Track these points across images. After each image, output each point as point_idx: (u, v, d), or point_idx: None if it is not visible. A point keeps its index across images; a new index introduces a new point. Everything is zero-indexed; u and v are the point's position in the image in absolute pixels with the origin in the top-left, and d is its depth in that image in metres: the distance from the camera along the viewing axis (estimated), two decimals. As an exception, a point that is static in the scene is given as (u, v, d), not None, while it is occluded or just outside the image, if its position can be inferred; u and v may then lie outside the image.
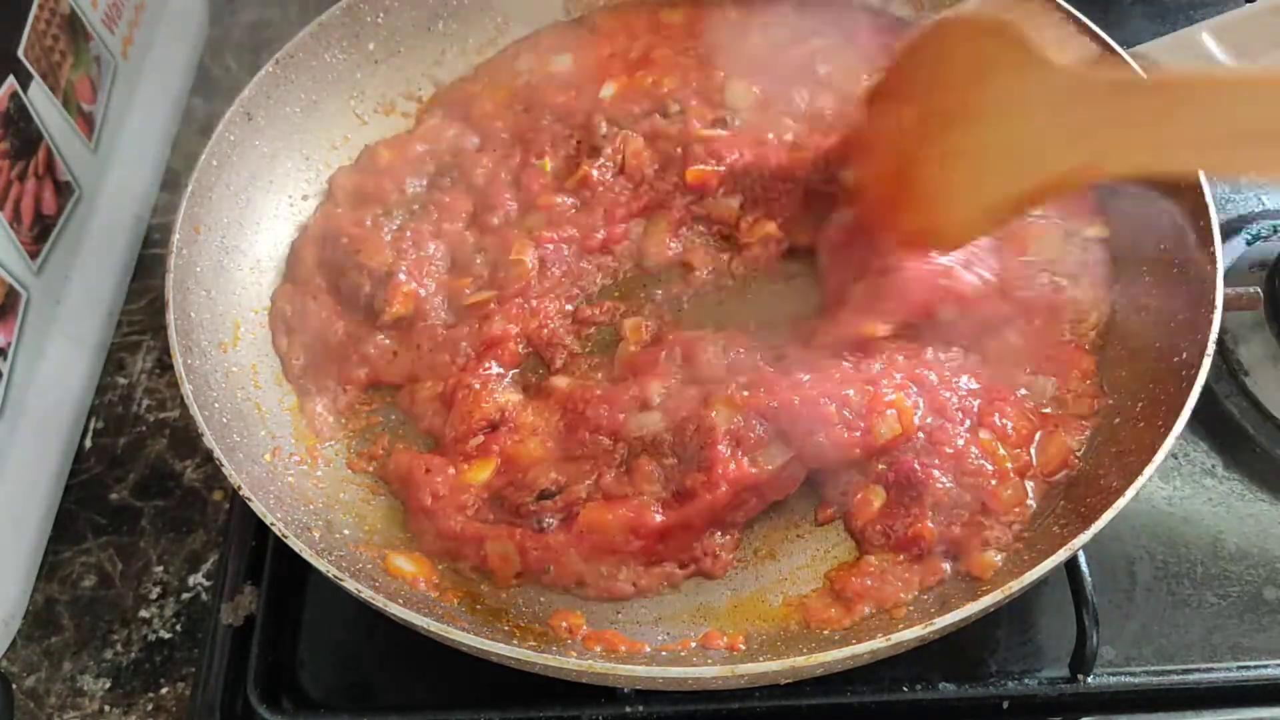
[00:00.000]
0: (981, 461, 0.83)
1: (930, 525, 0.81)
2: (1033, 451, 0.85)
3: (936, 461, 0.82)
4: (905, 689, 0.83)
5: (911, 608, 0.79)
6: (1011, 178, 0.73)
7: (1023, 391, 0.87)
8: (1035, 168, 0.72)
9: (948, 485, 0.82)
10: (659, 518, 0.81)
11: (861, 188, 0.89)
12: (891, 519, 0.82)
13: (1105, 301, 0.92)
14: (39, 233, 1.00)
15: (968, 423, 0.84)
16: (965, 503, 0.82)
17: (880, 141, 0.85)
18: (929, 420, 0.83)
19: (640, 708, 0.81)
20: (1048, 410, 0.87)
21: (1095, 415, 0.86)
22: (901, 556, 0.81)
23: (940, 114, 0.75)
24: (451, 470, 0.86)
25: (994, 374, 0.87)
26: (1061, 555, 0.71)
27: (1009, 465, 0.83)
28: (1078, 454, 0.85)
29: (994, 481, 0.82)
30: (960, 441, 0.83)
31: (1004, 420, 0.85)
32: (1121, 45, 0.96)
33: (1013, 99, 0.70)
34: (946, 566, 0.81)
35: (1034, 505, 0.83)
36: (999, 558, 0.80)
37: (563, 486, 0.83)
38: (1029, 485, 0.84)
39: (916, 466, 0.82)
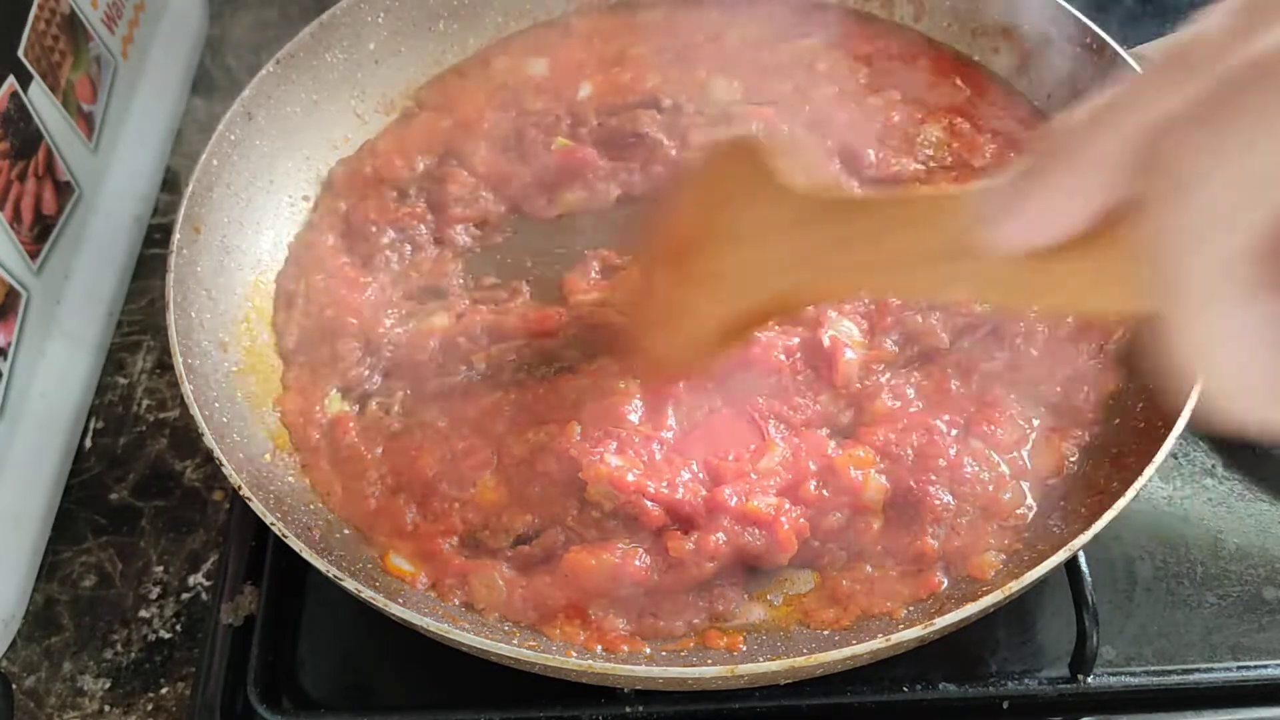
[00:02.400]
0: (976, 469, 0.82)
1: (932, 541, 0.80)
2: (1025, 454, 0.85)
3: (932, 477, 0.82)
4: (905, 689, 0.83)
5: (910, 608, 0.79)
6: (736, 300, 0.74)
7: (1013, 400, 0.86)
8: (760, 290, 0.72)
9: (947, 500, 0.81)
10: (645, 567, 0.79)
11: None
12: (891, 539, 0.81)
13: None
14: (39, 233, 1.00)
15: (954, 432, 0.84)
16: (965, 512, 0.81)
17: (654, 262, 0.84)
18: (915, 439, 0.83)
19: (640, 708, 0.81)
20: (1039, 420, 0.86)
21: (1094, 425, 0.86)
22: (896, 571, 0.81)
23: (691, 239, 0.76)
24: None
25: (1000, 390, 0.87)
26: (1061, 555, 0.71)
27: (1005, 470, 0.83)
28: (1071, 459, 0.84)
29: (991, 487, 0.82)
30: (952, 452, 0.82)
31: (993, 427, 0.84)
32: (1121, 45, 0.96)
33: (750, 223, 0.71)
34: (944, 579, 0.80)
35: (1035, 506, 0.82)
36: (1000, 558, 0.80)
37: (540, 530, 0.82)
38: (1026, 486, 0.83)
39: (913, 484, 0.81)
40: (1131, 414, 0.84)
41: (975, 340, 0.88)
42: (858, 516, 0.81)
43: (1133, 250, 0.40)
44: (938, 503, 0.81)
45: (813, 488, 0.82)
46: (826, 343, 0.87)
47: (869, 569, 0.81)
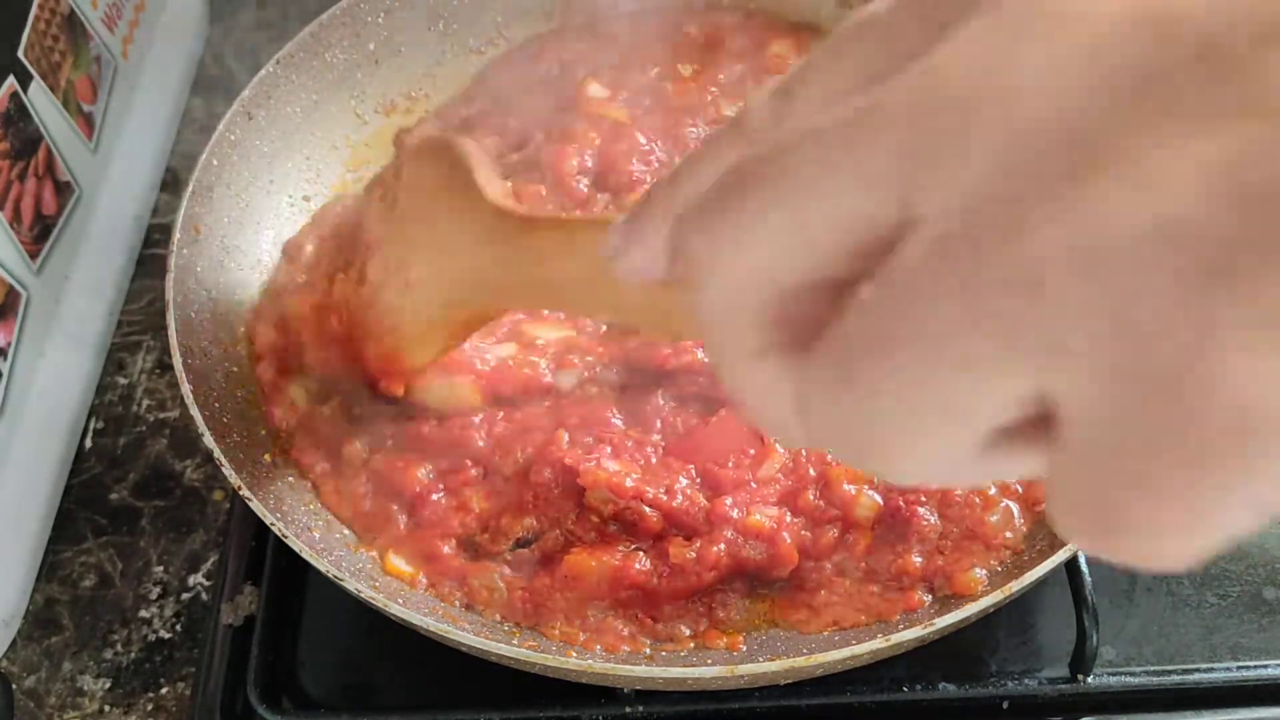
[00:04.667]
0: (967, 492, 0.81)
1: (915, 559, 0.80)
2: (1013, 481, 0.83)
3: (922, 497, 0.81)
4: (905, 689, 0.83)
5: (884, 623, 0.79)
6: (439, 309, 0.76)
7: None
8: (463, 299, 0.74)
9: (933, 521, 0.81)
10: (645, 571, 0.79)
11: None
12: (876, 557, 0.81)
13: None
14: (39, 233, 1.00)
15: None
16: (951, 534, 0.81)
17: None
18: None
19: (640, 708, 0.81)
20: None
21: None
22: (877, 587, 0.80)
23: (402, 240, 0.77)
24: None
25: None
26: (1061, 555, 0.71)
27: (993, 492, 0.82)
28: None
29: (980, 509, 0.81)
30: None
31: None
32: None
33: (448, 229, 0.72)
34: (926, 597, 0.79)
35: (1024, 528, 0.81)
36: (984, 574, 0.79)
37: (540, 534, 0.82)
38: (1015, 509, 0.82)
39: (901, 504, 0.81)
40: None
41: None
42: (846, 532, 0.81)
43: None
44: (925, 523, 0.80)
45: (811, 497, 0.81)
46: None
47: (848, 583, 0.80)
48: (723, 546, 0.79)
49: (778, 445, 0.83)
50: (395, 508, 0.84)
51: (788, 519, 0.80)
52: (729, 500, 0.80)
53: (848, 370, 0.29)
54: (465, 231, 0.70)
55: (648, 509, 0.79)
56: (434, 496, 0.84)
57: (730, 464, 0.83)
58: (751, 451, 0.83)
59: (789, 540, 0.79)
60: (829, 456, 0.81)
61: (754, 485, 0.82)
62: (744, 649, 0.78)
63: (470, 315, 0.76)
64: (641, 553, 0.80)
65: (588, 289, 0.62)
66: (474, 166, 0.70)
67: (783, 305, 0.32)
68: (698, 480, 0.82)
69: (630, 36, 1.11)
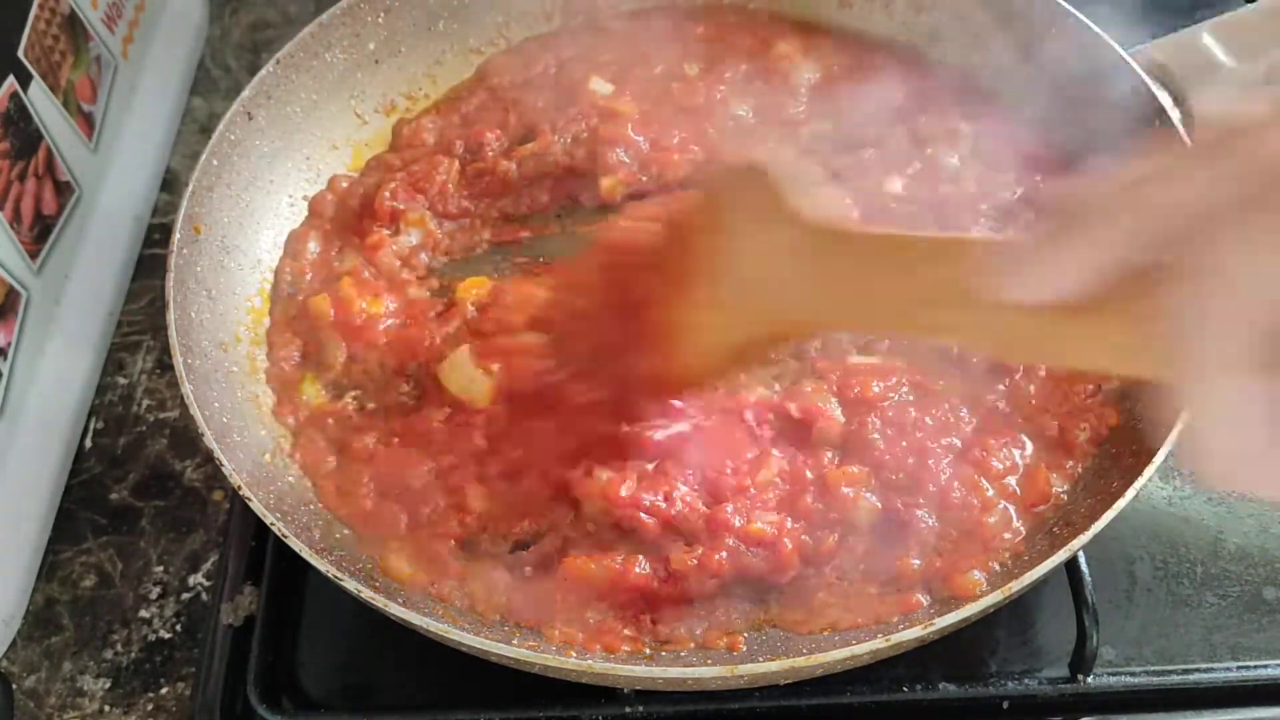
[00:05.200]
0: (964, 494, 0.82)
1: (914, 562, 0.80)
2: (1015, 482, 0.84)
3: (920, 500, 0.81)
4: (905, 689, 0.83)
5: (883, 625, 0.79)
6: (737, 325, 0.74)
7: (1024, 437, 0.85)
8: (761, 317, 0.73)
9: (932, 524, 0.81)
10: (645, 574, 0.79)
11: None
12: (874, 559, 0.81)
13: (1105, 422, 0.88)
14: (39, 233, 1.00)
15: (948, 458, 0.83)
16: (949, 535, 0.81)
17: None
18: (910, 460, 0.83)
19: (640, 708, 0.81)
20: (1033, 451, 0.85)
21: (1088, 459, 0.85)
22: (874, 589, 0.80)
23: (695, 263, 0.75)
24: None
25: (999, 421, 0.86)
26: (1061, 555, 0.71)
27: (991, 493, 0.82)
28: (1061, 490, 0.83)
29: (978, 512, 0.81)
30: (943, 477, 0.82)
31: (986, 454, 0.83)
32: (1121, 45, 0.96)
33: (753, 249, 0.71)
34: (924, 599, 0.79)
35: (1022, 531, 0.81)
36: (983, 577, 0.79)
37: (537, 536, 0.82)
38: (1013, 510, 0.82)
39: (900, 506, 0.81)
40: (1132, 414, 0.84)
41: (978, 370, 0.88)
42: (846, 536, 0.81)
43: (1144, 319, 0.42)
44: (923, 526, 0.80)
45: (809, 500, 0.81)
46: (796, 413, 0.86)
47: (846, 586, 0.80)
48: (724, 554, 0.78)
49: (773, 449, 0.83)
50: (397, 507, 0.84)
51: (788, 524, 0.80)
52: (730, 508, 0.80)
53: None
54: (784, 249, 0.68)
55: (645, 516, 0.79)
56: (434, 495, 0.84)
57: (729, 469, 0.83)
58: (749, 455, 0.83)
59: (790, 546, 0.79)
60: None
61: (753, 490, 0.82)
62: (744, 649, 0.78)
63: (773, 335, 0.75)
64: (642, 557, 0.79)
65: (923, 308, 0.60)
66: (785, 184, 0.69)
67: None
68: (697, 487, 0.82)
69: (632, 35, 1.11)
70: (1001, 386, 0.87)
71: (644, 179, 0.99)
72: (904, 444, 0.83)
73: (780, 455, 0.83)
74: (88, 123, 1.09)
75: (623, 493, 0.79)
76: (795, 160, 0.98)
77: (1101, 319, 0.47)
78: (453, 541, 0.82)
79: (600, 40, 1.12)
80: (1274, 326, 0.34)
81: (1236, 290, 0.36)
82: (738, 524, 0.79)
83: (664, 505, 0.80)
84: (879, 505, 0.81)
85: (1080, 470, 0.84)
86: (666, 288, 0.76)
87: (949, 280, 0.56)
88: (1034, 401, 0.86)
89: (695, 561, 0.78)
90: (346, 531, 0.84)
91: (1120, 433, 0.84)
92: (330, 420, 0.90)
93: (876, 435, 0.84)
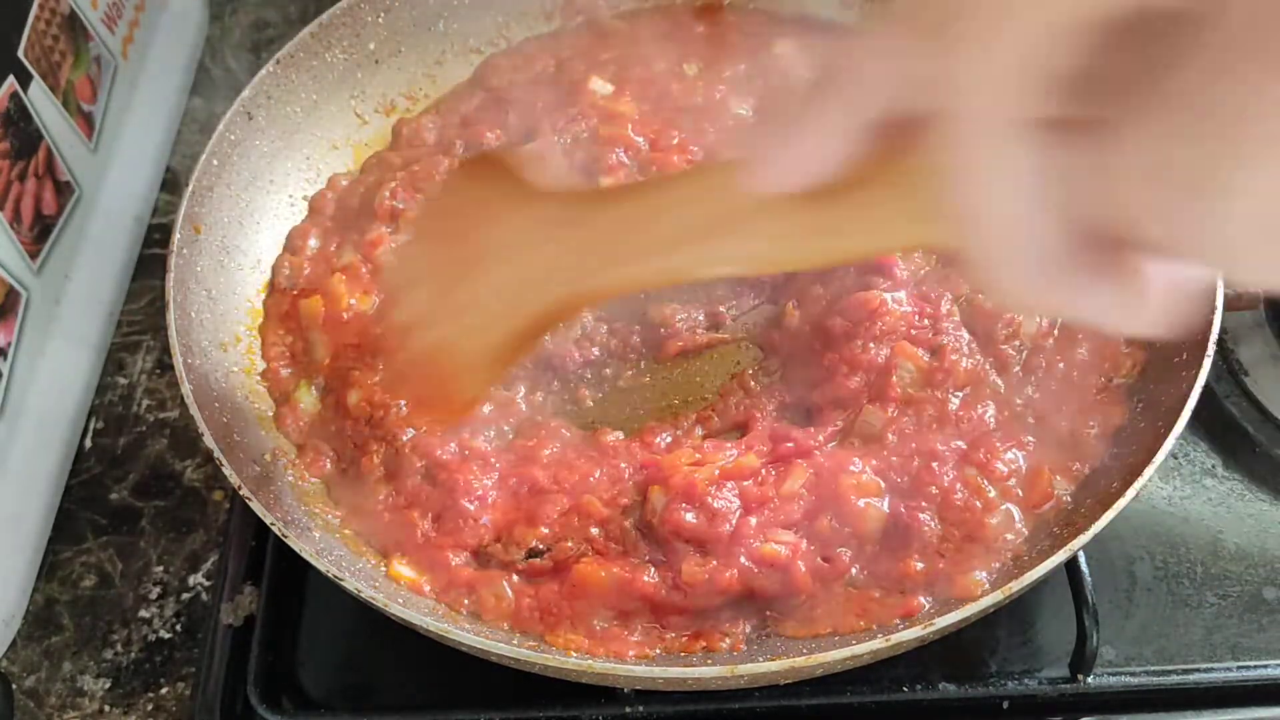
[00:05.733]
0: (966, 496, 0.81)
1: (916, 564, 0.79)
2: (1017, 484, 0.83)
3: (923, 504, 0.81)
4: (905, 689, 0.83)
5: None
6: (509, 318, 0.70)
7: (1029, 439, 0.85)
8: (532, 301, 0.68)
9: (934, 526, 0.80)
10: (653, 583, 0.78)
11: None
12: (876, 563, 0.80)
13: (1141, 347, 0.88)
14: (39, 233, 1.00)
15: (952, 461, 0.83)
16: (952, 537, 0.80)
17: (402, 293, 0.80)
18: (915, 463, 0.82)
19: (640, 708, 0.81)
20: (1039, 451, 0.84)
21: (1095, 459, 0.84)
22: (877, 592, 0.79)
23: (450, 261, 0.72)
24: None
25: (1005, 422, 0.85)
26: (1061, 555, 0.71)
27: (993, 494, 0.82)
28: (1065, 494, 0.82)
29: (980, 514, 0.81)
30: (946, 480, 0.82)
31: (990, 456, 0.83)
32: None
33: (504, 236, 0.68)
34: (927, 601, 0.78)
35: (1025, 533, 0.81)
36: (985, 577, 0.79)
37: (552, 544, 0.81)
38: (1016, 512, 0.82)
39: (903, 510, 0.81)
40: (1132, 414, 0.84)
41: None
42: (856, 548, 0.81)
43: (916, 171, 0.41)
44: (926, 529, 0.80)
45: (828, 522, 0.80)
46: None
47: (849, 590, 0.80)
48: (735, 573, 0.78)
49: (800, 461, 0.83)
50: (416, 515, 0.84)
51: (803, 546, 0.79)
52: (753, 520, 0.79)
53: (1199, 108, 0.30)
54: (528, 228, 0.66)
55: (689, 517, 0.79)
56: (457, 505, 0.84)
57: (756, 480, 0.82)
58: (773, 473, 0.83)
59: (803, 569, 0.78)
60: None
61: (776, 502, 0.81)
62: (744, 649, 0.78)
63: (538, 320, 0.70)
64: (651, 567, 0.79)
65: (691, 242, 0.57)
66: (520, 165, 0.67)
67: (1051, 57, 0.33)
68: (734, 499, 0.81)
69: (632, 35, 1.11)
70: (1030, 388, 0.87)
71: (643, 180, 0.99)
72: (913, 445, 0.83)
73: (806, 466, 0.82)
74: (88, 123, 1.09)
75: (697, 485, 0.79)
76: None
77: (876, 188, 0.45)
78: (465, 553, 0.82)
79: (600, 40, 1.12)
80: (1036, 71, 0.33)
81: (987, 50, 0.35)
82: (755, 545, 0.78)
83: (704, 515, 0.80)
84: (886, 512, 0.81)
85: (1087, 472, 0.83)
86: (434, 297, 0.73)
87: (713, 205, 0.54)
88: (1045, 398, 0.86)
89: (706, 576, 0.78)
90: (348, 531, 0.84)
91: (1125, 431, 0.84)
92: (332, 428, 0.89)
93: (893, 436, 0.84)
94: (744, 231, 0.53)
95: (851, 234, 0.49)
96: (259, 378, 0.93)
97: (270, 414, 0.91)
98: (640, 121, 1.02)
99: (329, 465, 0.88)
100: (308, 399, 0.91)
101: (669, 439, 0.88)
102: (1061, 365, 0.87)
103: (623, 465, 0.85)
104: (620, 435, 0.88)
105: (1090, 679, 0.83)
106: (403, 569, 0.81)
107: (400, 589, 0.80)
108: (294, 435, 0.89)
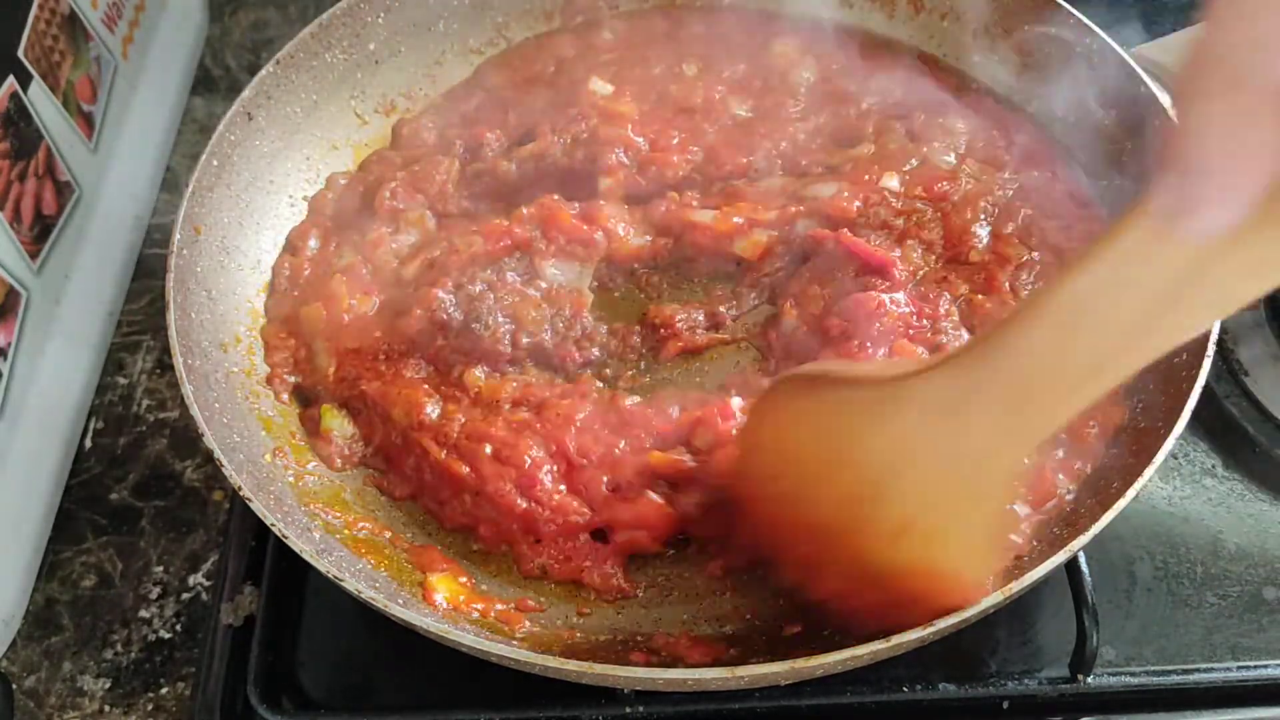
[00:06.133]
0: None
1: None
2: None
3: None
4: (905, 689, 0.83)
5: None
6: (974, 491, 0.66)
7: None
8: (985, 470, 0.64)
9: None
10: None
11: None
12: None
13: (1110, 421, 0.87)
14: (39, 233, 1.00)
15: None
16: None
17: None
18: None
19: (640, 708, 0.81)
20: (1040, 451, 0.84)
21: (1096, 457, 0.84)
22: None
23: (840, 499, 0.69)
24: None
25: None
26: (1061, 555, 0.71)
27: None
28: (1068, 493, 0.82)
29: None
30: None
31: None
32: (1121, 45, 0.96)
33: (897, 433, 0.64)
34: None
35: (1027, 530, 0.81)
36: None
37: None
38: (1020, 510, 0.82)
39: None
40: (1131, 414, 0.84)
41: None
42: None
43: None
44: None
45: None
46: None
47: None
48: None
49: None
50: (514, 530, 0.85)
51: None
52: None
53: None
54: (910, 432, 0.62)
55: None
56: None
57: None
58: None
59: None
60: None
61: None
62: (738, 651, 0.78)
63: (1009, 478, 0.66)
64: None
65: (1152, 320, 0.52)
66: (847, 372, 0.64)
67: None
68: None
69: (631, 35, 1.11)
70: None
71: (643, 181, 0.99)
72: None
73: None
74: (88, 123, 1.10)
75: None
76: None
77: None
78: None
79: (600, 40, 1.12)
80: None
81: None
82: None
83: None
84: None
85: (1089, 471, 0.83)
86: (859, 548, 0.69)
87: (1150, 278, 0.49)
88: None
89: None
90: (348, 532, 0.84)
91: (1125, 431, 0.84)
92: (377, 442, 0.91)
93: None
94: (1216, 276, 0.47)
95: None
96: (262, 382, 0.93)
97: (270, 414, 0.91)
98: (640, 122, 1.02)
99: (405, 484, 0.89)
100: (339, 424, 0.91)
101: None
102: None
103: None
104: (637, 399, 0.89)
105: (1090, 679, 0.83)
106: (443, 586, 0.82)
107: (397, 586, 0.80)
108: (342, 463, 0.90)
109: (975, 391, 0.60)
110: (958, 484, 0.65)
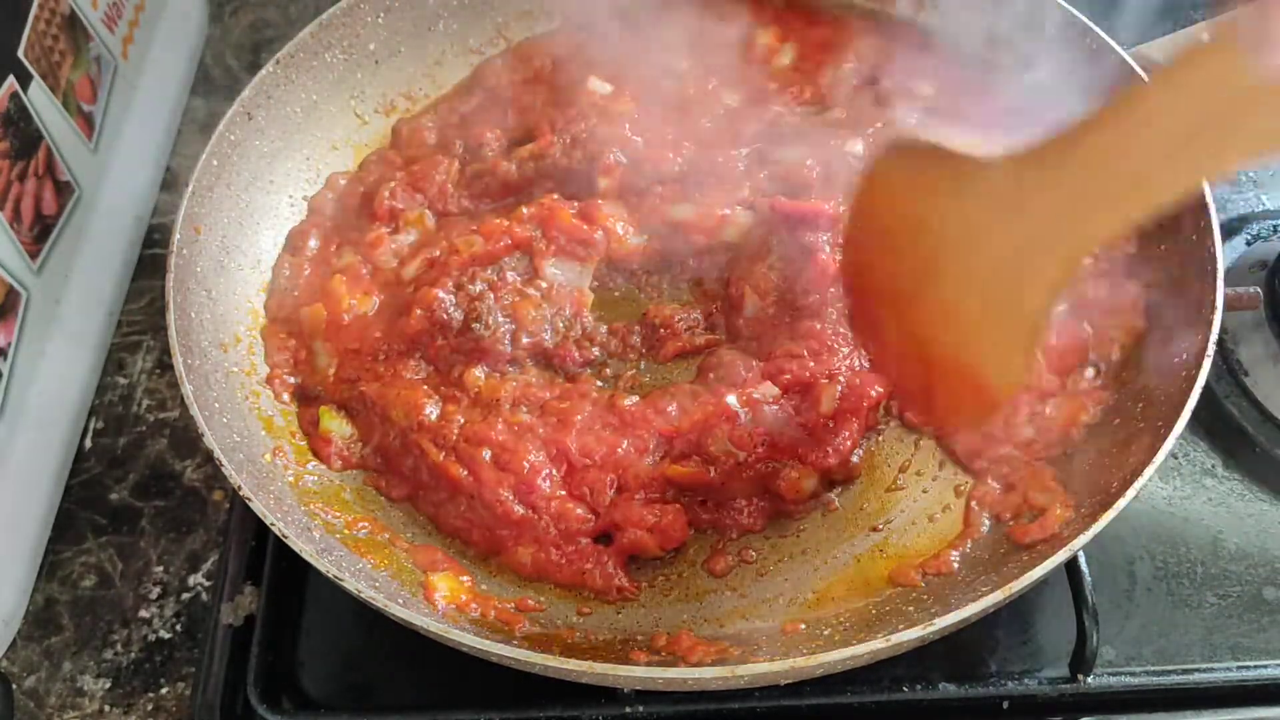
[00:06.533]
0: None
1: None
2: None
3: None
4: (905, 689, 0.83)
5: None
6: (1016, 293, 0.67)
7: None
8: (1030, 273, 0.66)
9: None
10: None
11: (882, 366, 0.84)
12: None
13: (1133, 330, 0.89)
14: (39, 233, 1.00)
15: None
16: None
17: (873, 315, 0.79)
18: None
19: (640, 708, 0.81)
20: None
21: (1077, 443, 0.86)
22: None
23: (912, 268, 0.71)
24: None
25: None
26: (1061, 555, 0.71)
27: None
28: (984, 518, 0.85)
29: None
30: None
31: None
32: (1121, 45, 0.96)
33: (969, 214, 0.66)
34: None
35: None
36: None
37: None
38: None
39: None
40: (1132, 413, 0.84)
41: None
42: None
43: None
44: None
45: None
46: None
47: None
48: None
49: None
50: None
51: None
52: None
53: None
54: (981, 212, 0.64)
55: None
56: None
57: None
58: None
59: None
60: None
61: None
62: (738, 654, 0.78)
63: (1050, 291, 0.66)
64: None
65: (1199, 139, 0.54)
66: (938, 141, 0.65)
67: None
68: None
69: (626, 34, 1.11)
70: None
71: (640, 180, 0.99)
72: None
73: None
74: (88, 123, 1.09)
75: None
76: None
77: None
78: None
79: (596, 40, 1.12)
80: None
81: None
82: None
83: None
84: None
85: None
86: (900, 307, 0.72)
87: (1208, 103, 0.51)
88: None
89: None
90: (348, 531, 0.84)
91: (1125, 431, 0.85)
92: (375, 442, 0.90)
93: None
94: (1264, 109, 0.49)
95: None
96: (262, 382, 0.93)
97: (270, 414, 0.91)
98: (638, 120, 1.02)
99: (402, 485, 0.89)
100: (337, 425, 0.91)
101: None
102: None
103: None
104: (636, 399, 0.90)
105: (1090, 679, 0.83)
106: (437, 580, 0.82)
107: (397, 586, 0.80)
108: (341, 464, 0.90)
109: (1039, 189, 0.62)
110: (1007, 279, 0.66)
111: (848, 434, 0.86)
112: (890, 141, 0.78)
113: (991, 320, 0.69)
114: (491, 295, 0.92)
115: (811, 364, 0.88)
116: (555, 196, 0.98)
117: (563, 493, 0.84)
